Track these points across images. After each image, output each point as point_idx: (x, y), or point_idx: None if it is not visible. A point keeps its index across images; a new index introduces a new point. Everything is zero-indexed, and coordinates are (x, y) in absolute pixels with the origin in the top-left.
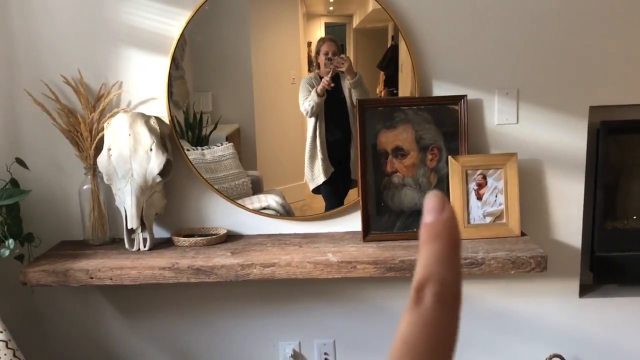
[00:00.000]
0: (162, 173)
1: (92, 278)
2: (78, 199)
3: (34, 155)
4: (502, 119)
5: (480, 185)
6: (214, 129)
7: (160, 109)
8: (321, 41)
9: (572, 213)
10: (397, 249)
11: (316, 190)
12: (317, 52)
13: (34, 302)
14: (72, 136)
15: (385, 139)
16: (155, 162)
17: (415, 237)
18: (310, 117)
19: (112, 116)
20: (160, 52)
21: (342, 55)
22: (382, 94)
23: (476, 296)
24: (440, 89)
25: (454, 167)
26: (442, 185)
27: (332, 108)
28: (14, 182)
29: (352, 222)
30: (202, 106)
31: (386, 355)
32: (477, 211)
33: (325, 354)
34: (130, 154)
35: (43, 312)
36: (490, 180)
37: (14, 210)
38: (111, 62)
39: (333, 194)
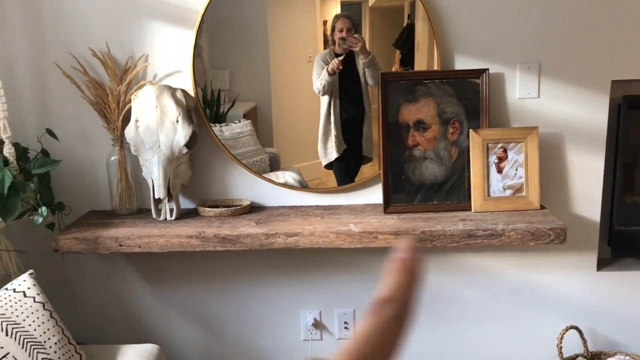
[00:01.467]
0: (188, 144)
1: (121, 246)
2: (106, 170)
3: (63, 127)
4: (523, 93)
5: (501, 159)
6: (232, 106)
7: (185, 82)
8: (336, 17)
9: (592, 187)
10: (417, 221)
11: (329, 166)
12: (333, 29)
13: (64, 269)
14: (100, 108)
15: (407, 113)
16: (181, 133)
17: (435, 209)
18: (322, 95)
19: (138, 88)
20: (185, 26)
21: (356, 35)
22: None
23: (495, 268)
24: (462, 63)
25: (475, 141)
26: (463, 158)
27: (346, 86)
28: (44, 153)
29: (373, 195)
30: (220, 84)
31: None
32: (497, 184)
33: (345, 323)
34: (157, 126)
35: (73, 280)
36: (510, 154)
37: (45, 179)
38: (137, 36)
39: (344, 171)
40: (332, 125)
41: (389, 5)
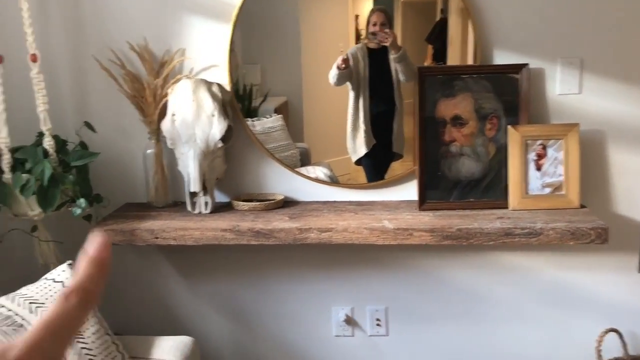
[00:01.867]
0: (223, 138)
1: (157, 238)
2: (142, 163)
3: (100, 120)
4: (564, 89)
5: (540, 156)
6: (263, 101)
7: (220, 76)
8: (371, 11)
9: (635, 186)
10: (453, 218)
11: (358, 162)
12: (368, 23)
13: None
14: (137, 101)
15: (444, 108)
16: (217, 127)
17: (472, 206)
18: (336, 85)
19: (175, 82)
20: (221, 20)
21: (387, 30)
22: None
23: (533, 268)
24: (500, 58)
25: (514, 137)
26: (501, 155)
27: (377, 81)
28: (83, 145)
29: (406, 191)
30: (252, 78)
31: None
32: (536, 182)
33: (377, 320)
34: (193, 120)
35: (109, 271)
36: (550, 151)
37: (84, 171)
38: (175, 30)
39: (374, 167)
40: (361, 120)
41: (421, 0)
